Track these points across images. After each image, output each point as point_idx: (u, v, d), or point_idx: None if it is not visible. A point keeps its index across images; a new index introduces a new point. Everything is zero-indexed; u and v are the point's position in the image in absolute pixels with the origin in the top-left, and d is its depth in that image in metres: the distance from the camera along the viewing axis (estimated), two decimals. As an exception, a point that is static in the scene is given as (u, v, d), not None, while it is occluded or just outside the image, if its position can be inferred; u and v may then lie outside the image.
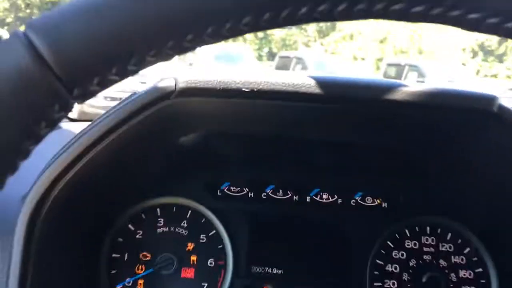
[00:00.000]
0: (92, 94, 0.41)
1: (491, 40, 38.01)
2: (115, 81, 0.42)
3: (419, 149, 1.76)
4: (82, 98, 0.42)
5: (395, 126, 1.52)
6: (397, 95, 1.27)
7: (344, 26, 39.52)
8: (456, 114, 1.35)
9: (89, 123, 1.40)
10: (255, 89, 1.30)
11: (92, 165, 1.37)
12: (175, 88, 1.35)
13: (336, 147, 1.84)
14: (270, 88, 1.31)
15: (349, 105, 1.31)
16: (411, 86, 1.30)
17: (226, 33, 0.41)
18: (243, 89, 1.31)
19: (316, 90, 1.27)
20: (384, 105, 1.30)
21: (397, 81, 1.40)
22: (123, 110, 1.38)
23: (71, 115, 3.11)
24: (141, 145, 1.52)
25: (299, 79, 1.31)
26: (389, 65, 19.10)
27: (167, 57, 0.41)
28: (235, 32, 0.41)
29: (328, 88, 1.28)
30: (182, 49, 0.41)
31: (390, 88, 1.28)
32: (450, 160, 1.77)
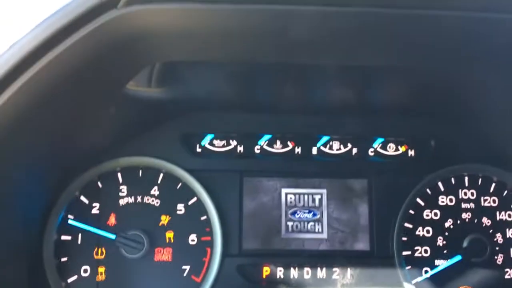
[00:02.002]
0: None
1: None
2: None
3: (458, 75, 1.30)
4: None
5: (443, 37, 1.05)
6: None
7: None
8: None
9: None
10: None
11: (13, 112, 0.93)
12: None
13: (351, 76, 1.36)
14: None
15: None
16: None
17: None
18: None
19: None
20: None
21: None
22: (46, 29, 0.89)
23: None
24: (82, 84, 1.02)
25: None
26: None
27: None
28: None
29: None
30: None
31: None
32: (492, 95, 1.34)
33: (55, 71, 0.94)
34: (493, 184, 1.54)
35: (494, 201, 1.54)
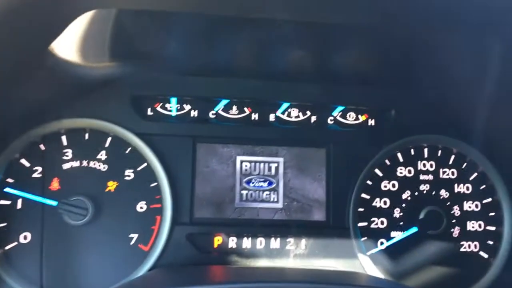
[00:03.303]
0: None
1: None
2: None
3: (416, 41, 1.25)
4: None
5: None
6: None
7: None
8: None
9: None
10: None
11: None
12: None
13: (309, 39, 1.29)
14: None
15: None
16: None
17: None
18: None
19: None
20: None
21: None
22: None
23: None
24: (5, 37, 0.92)
25: None
26: None
27: None
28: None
29: None
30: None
31: None
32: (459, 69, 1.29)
33: None
34: (453, 156, 1.52)
35: (452, 173, 1.51)
